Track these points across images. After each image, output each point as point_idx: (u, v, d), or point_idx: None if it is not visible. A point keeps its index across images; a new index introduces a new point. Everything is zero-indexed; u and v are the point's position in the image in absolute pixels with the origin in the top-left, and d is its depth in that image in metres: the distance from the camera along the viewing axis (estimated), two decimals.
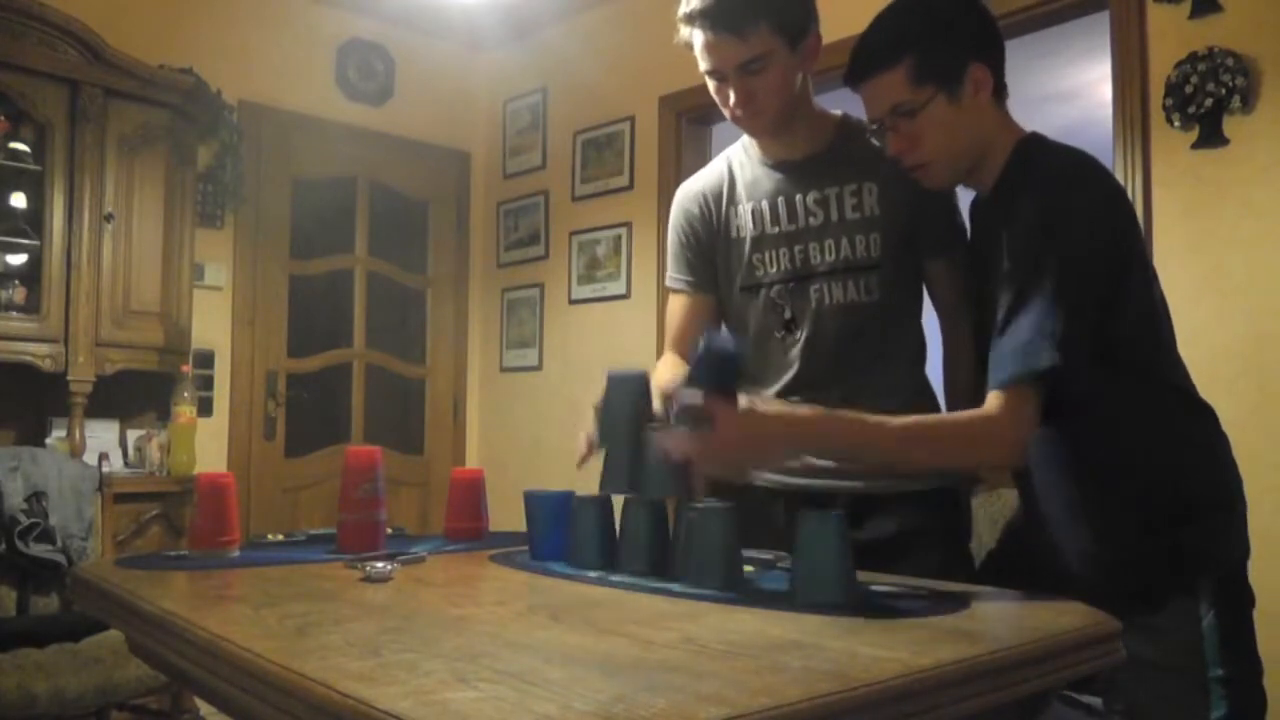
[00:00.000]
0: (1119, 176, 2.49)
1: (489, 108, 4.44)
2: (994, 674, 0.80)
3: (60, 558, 2.51)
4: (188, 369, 3.17)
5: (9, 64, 2.90)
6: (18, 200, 3.01)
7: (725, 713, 0.59)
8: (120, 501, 2.87)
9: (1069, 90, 4.65)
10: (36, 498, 2.55)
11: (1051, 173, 1.23)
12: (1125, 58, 2.50)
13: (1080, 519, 1.23)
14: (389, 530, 1.53)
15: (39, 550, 2.48)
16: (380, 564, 1.22)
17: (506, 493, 4.00)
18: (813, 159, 1.46)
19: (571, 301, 3.99)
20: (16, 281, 2.99)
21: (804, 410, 1.20)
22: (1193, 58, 2.38)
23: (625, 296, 3.78)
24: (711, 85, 1.42)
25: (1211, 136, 2.35)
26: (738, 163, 1.54)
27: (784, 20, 1.35)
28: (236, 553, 1.40)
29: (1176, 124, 2.40)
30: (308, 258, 3.98)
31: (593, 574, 1.22)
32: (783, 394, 1.46)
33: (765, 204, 1.48)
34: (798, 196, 1.45)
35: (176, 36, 3.52)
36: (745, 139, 1.54)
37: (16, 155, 2.97)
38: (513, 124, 4.33)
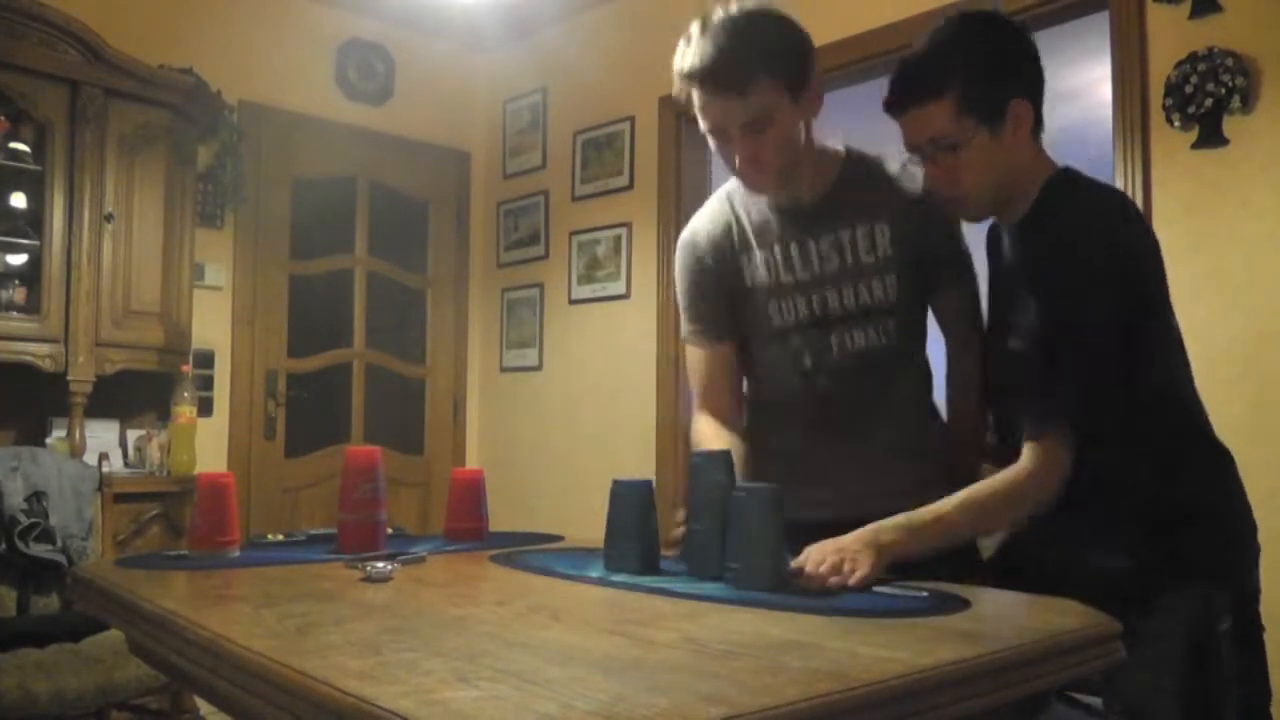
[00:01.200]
0: (1119, 177, 2.49)
1: (489, 108, 4.44)
2: (994, 674, 0.80)
3: (60, 558, 2.51)
4: (188, 369, 3.17)
5: (9, 64, 2.90)
6: (18, 200, 3.01)
7: (726, 712, 0.60)
8: (120, 501, 2.87)
9: (1069, 90, 4.65)
10: (36, 498, 2.55)
11: (1084, 215, 1.23)
12: (1125, 58, 2.50)
13: (1086, 529, 1.23)
14: (389, 530, 1.53)
15: (39, 550, 2.48)
16: (380, 564, 1.22)
17: (506, 493, 4.02)
18: (822, 201, 1.43)
19: (571, 301, 3.99)
20: (16, 281, 2.99)
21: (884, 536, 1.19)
22: (1193, 58, 2.38)
23: (625, 297, 3.78)
24: (713, 143, 1.37)
25: (1211, 136, 2.35)
26: (741, 206, 1.49)
27: (783, 71, 1.31)
28: (236, 553, 1.40)
29: (1176, 124, 2.41)
30: (308, 258, 3.98)
31: (593, 574, 1.22)
32: (804, 437, 1.46)
33: (778, 251, 1.44)
34: (810, 242, 1.42)
35: (176, 36, 3.52)
36: None
37: (16, 155, 2.97)
38: (513, 124, 4.33)
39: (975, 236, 1.47)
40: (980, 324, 1.44)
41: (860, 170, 1.44)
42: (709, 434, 1.47)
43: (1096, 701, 1.22)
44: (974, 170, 1.27)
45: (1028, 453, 1.21)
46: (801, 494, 1.29)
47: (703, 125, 1.36)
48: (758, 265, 1.46)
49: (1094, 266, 1.19)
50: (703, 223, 1.52)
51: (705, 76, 1.31)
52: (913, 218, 1.38)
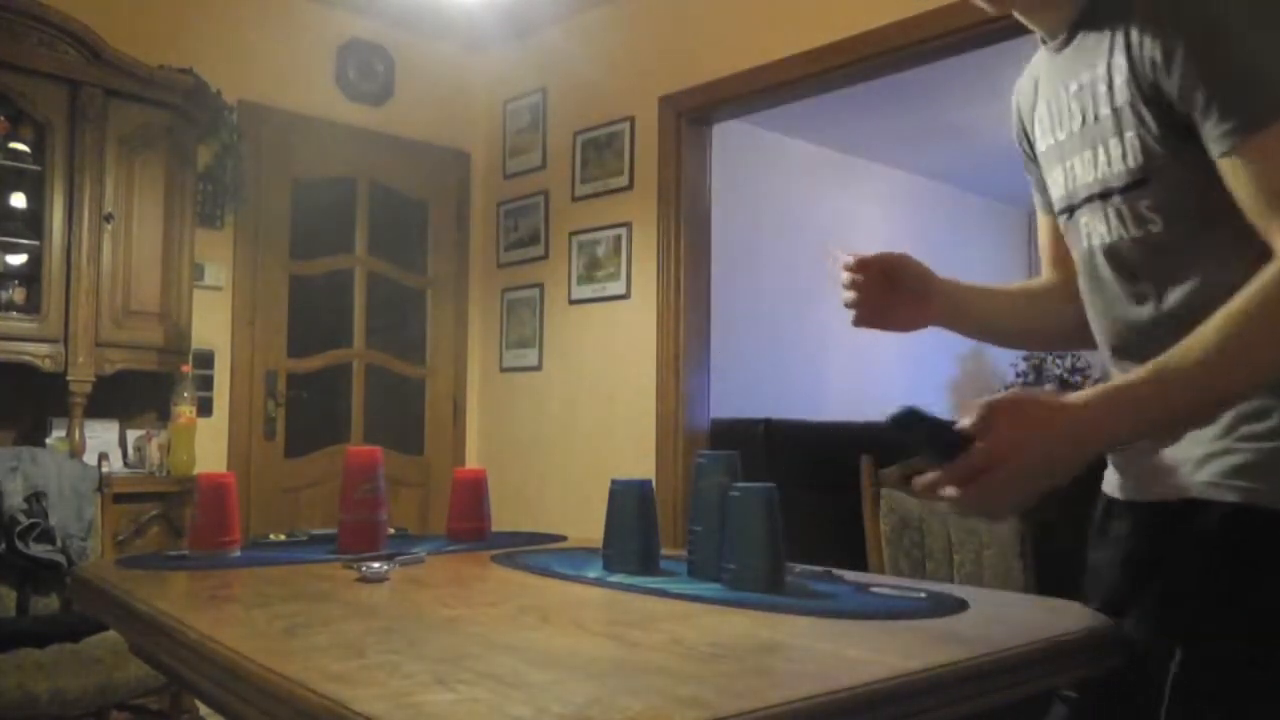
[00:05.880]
0: None
1: (489, 108, 4.44)
2: (983, 678, 0.79)
3: (60, 558, 2.51)
4: (188, 369, 3.18)
5: (9, 64, 2.91)
6: (18, 200, 3.01)
7: (701, 715, 0.59)
8: (120, 501, 2.87)
9: None
10: (36, 498, 2.56)
11: None
12: None
13: None
14: (391, 531, 1.53)
15: (39, 550, 2.49)
16: (376, 564, 1.22)
17: (506, 493, 4.01)
18: (1074, 28, 1.01)
19: (571, 301, 3.98)
20: (16, 281, 2.99)
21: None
22: None
23: (625, 297, 3.78)
24: None
25: None
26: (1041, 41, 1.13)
27: None
28: (237, 553, 1.40)
29: None
30: (308, 258, 3.99)
31: (591, 574, 1.22)
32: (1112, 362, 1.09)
33: (1044, 104, 1.09)
34: (1061, 89, 1.04)
35: (176, 36, 3.53)
36: None
37: (16, 155, 2.97)
38: (513, 124, 4.33)
39: None
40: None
41: None
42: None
43: None
44: None
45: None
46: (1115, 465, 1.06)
47: None
48: (1036, 122, 1.12)
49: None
50: (1028, 66, 1.18)
51: None
52: (1149, 27, 0.89)
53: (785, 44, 3.24)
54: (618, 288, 3.79)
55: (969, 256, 6.47)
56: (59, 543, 2.53)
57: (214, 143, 3.57)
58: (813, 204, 5.74)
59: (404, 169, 4.22)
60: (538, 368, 4.13)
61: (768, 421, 3.79)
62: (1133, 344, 0.97)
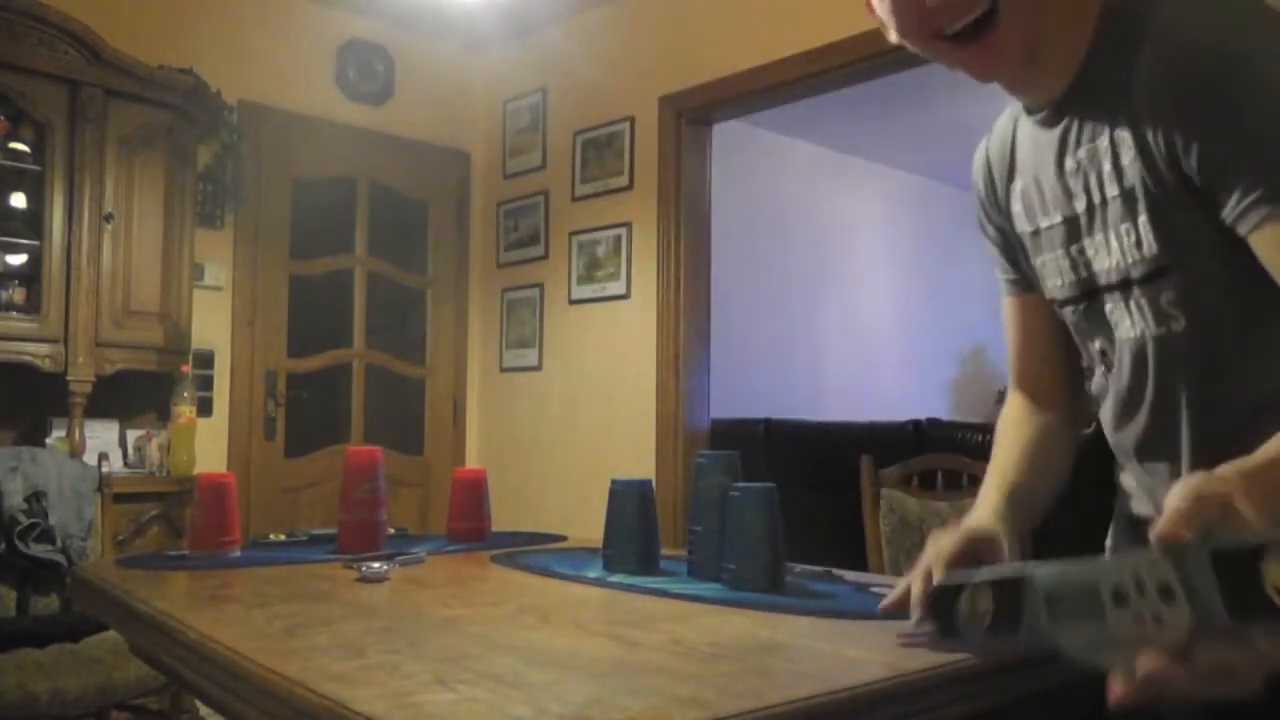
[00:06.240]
0: None
1: (489, 108, 4.44)
2: (983, 677, 0.79)
3: (60, 558, 2.51)
4: (188, 369, 3.18)
5: (9, 64, 2.91)
6: (18, 200, 3.01)
7: (701, 716, 0.59)
8: (120, 501, 2.87)
9: None
10: (36, 498, 2.55)
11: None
12: None
13: None
14: (391, 531, 1.53)
15: (39, 550, 2.49)
16: (376, 564, 1.22)
17: (506, 493, 4.01)
18: (1062, 104, 0.92)
19: (571, 301, 3.99)
20: (16, 281, 2.99)
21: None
22: None
23: (625, 297, 3.78)
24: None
25: None
26: (1023, 112, 1.01)
27: None
28: (237, 553, 1.41)
29: None
30: (308, 258, 3.99)
31: (591, 574, 1.22)
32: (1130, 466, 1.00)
33: (1028, 182, 1.00)
34: (1052, 166, 0.95)
35: (176, 36, 3.53)
36: None
37: (16, 155, 2.97)
38: (513, 124, 4.33)
39: None
40: None
41: (1120, 27, 0.86)
42: (1007, 424, 1.09)
43: None
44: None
45: None
46: None
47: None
48: (1016, 199, 1.03)
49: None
50: (993, 133, 1.10)
51: None
52: (1164, 97, 0.81)
53: (785, 44, 3.24)
54: (618, 288, 3.80)
55: (969, 257, 6.48)
56: (59, 543, 2.53)
57: (214, 143, 3.57)
58: (813, 204, 5.74)
59: (404, 169, 4.22)
60: (538, 368, 4.13)
61: (768, 421, 3.80)
62: (1159, 450, 0.87)
